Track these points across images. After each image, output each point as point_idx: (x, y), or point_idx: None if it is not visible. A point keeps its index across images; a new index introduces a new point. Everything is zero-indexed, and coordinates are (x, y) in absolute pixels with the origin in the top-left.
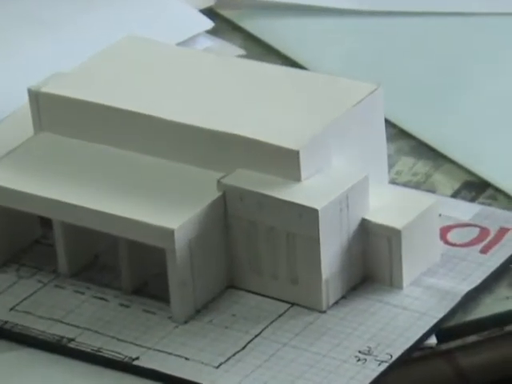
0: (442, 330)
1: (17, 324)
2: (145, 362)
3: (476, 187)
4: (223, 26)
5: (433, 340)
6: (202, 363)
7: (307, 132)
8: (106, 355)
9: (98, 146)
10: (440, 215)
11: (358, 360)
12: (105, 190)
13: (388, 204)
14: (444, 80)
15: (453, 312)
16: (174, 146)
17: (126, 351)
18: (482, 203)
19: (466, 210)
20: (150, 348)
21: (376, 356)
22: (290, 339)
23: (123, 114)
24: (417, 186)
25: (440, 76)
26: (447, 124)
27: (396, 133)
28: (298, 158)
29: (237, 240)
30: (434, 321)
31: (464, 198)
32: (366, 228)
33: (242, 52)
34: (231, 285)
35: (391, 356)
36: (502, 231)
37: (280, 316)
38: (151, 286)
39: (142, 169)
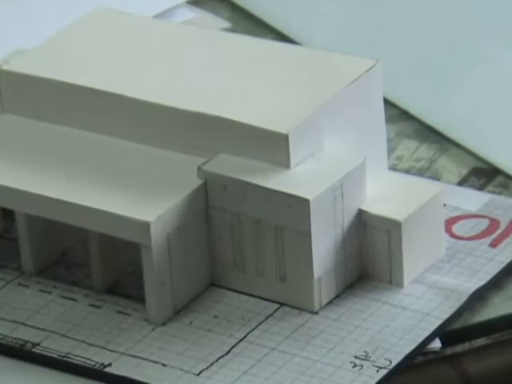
0: (446, 332)
1: None
2: (118, 369)
3: (485, 174)
4: None
5: (437, 344)
6: (182, 370)
7: (297, 113)
8: (75, 361)
9: (67, 129)
10: (445, 205)
11: (354, 366)
12: (73, 178)
13: (387, 193)
14: (451, 55)
15: (459, 312)
16: (151, 129)
17: (96, 357)
18: (492, 192)
19: (474, 200)
20: (123, 353)
21: (374, 361)
22: (279, 343)
23: (93, 94)
24: (420, 172)
25: (446, 50)
26: (454, 104)
27: (397, 114)
28: (286, 142)
29: (220, 234)
30: (438, 322)
31: (472, 186)
32: (362, 220)
33: (227, 25)
34: (214, 283)
35: (390, 362)
36: None
37: (267, 317)
38: (125, 285)
39: (115, 155)
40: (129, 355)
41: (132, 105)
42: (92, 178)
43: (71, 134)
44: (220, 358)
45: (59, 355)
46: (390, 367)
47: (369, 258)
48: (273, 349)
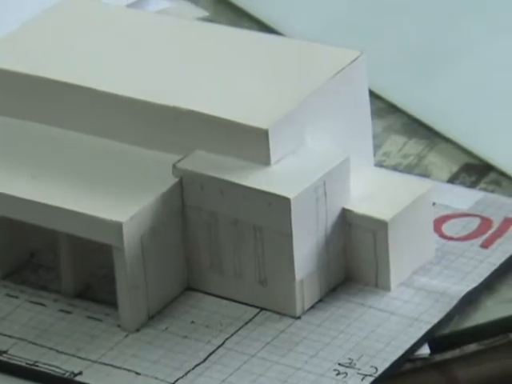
0: (436, 338)
1: None
2: (88, 378)
3: (477, 171)
4: None
5: (425, 350)
6: (156, 378)
7: (278, 108)
8: (44, 370)
9: (35, 124)
10: (434, 204)
11: (338, 374)
12: (42, 176)
13: (373, 191)
14: (439, 45)
15: (449, 317)
16: (123, 124)
17: (66, 365)
18: (484, 189)
19: (464, 198)
20: (94, 361)
21: (359, 369)
22: (259, 350)
23: (63, 88)
24: (408, 169)
25: (434, 40)
26: (444, 97)
27: (383, 108)
28: (266, 138)
29: (196, 234)
30: (427, 327)
31: (463, 184)
32: (347, 220)
33: (205, 14)
34: (190, 287)
35: (376, 369)
36: (507, 222)
37: (246, 323)
38: (96, 289)
39: (85, 152)
40: (101, 363)
41: (103, 98)
42: (61, 176)
43: (40, 130)
44: (196, 365)
45: (27, 363)
46: (376, 375)
47: (354, 260)
48: (252, 356)
